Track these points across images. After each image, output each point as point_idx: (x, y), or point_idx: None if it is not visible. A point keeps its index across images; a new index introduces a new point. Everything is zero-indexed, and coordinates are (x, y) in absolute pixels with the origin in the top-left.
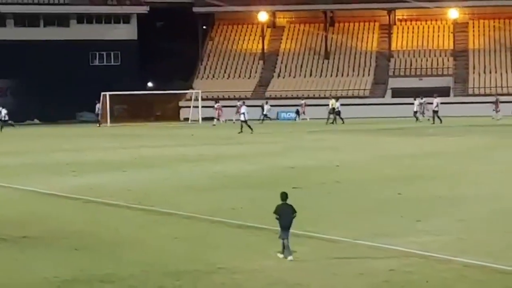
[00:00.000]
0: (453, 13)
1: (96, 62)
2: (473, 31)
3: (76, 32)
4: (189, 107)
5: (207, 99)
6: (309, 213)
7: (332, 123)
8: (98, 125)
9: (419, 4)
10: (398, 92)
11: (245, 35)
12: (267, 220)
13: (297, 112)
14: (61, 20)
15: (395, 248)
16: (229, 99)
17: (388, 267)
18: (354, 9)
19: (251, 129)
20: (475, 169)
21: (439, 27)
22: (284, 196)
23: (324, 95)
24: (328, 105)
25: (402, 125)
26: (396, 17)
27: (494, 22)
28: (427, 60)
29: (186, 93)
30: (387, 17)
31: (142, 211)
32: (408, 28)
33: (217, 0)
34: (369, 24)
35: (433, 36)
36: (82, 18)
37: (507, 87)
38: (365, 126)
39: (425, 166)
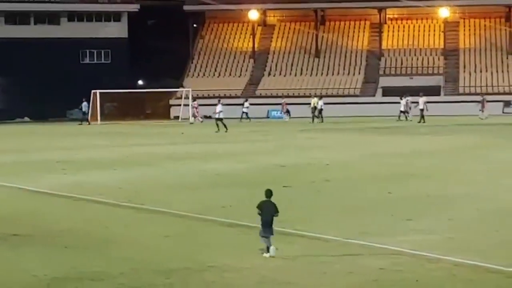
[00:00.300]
0: (444, 12)
1: (87, 60)
2: (464, 30)
3: (67, 30)
4: (180, 105)
5: (197, 97)
6: (299, 212)
7: (315, 121)
8: (80, 123)
9: (410, 3)
10: (388, 91)
11: (236, 33)
12: (257, 218)
13: (288, 111)
14: (52, 18)
15: (385, 247)
16: (219, 97)
17: (378, 266)
18: (345, 7)
19: (226, 128)
20: (465, 168)
21: (429, 26)
22: (268, 193)
23: (315, 93)
24: (309, 103)
25: (393, 124)
26: (387, 16)
27: (484, 21)
28: (417, 59)
29: (177, 91)
30: (378, 16)
31: (133, 209)
32: (398, 27)
33: None
34: (359, 23)
35: (423, 35)
36: (72, 16)
37: (498, 86)
38: (355, 125)
39: (415, 165)
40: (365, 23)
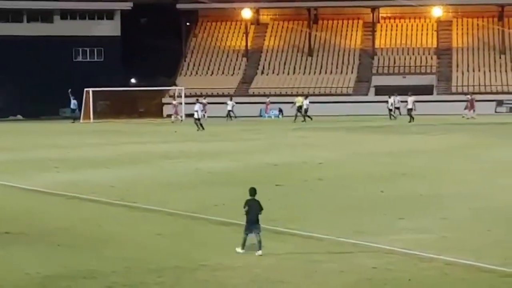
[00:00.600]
0: (437, 11)
1: (80, 58)
2: (457, 29)
3: (60, 28)
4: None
5: (190, 95)
6: (292, 211)
7: (304, 120)
8: (73, 121)
9: (403, 2)
10: (381, 90)
11: (229, 32)
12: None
13: (280, 110)
14: (45, 16)
15: (377, 246)
16: (212, 96)
17: (370, 264)
18: (338, 6)
19: (203, 128)
20: (458, 167)
21: (422, 25)
22: (252, 191)
23: (308, 92)
24: (293, 102)
25: (385, 123)
26: (380, 15)
27: (477, 20)
28: (410, 58)
29: (169, 89)
30: (371, 14)
31: (125, 207)
32: (391, 26)
33: None
34: (352, 22)
35: (416, 34)
36: (65, 14)
37: (490, 85)
38: (348, 123)
39: (408, 164)
40: (358, 22)
